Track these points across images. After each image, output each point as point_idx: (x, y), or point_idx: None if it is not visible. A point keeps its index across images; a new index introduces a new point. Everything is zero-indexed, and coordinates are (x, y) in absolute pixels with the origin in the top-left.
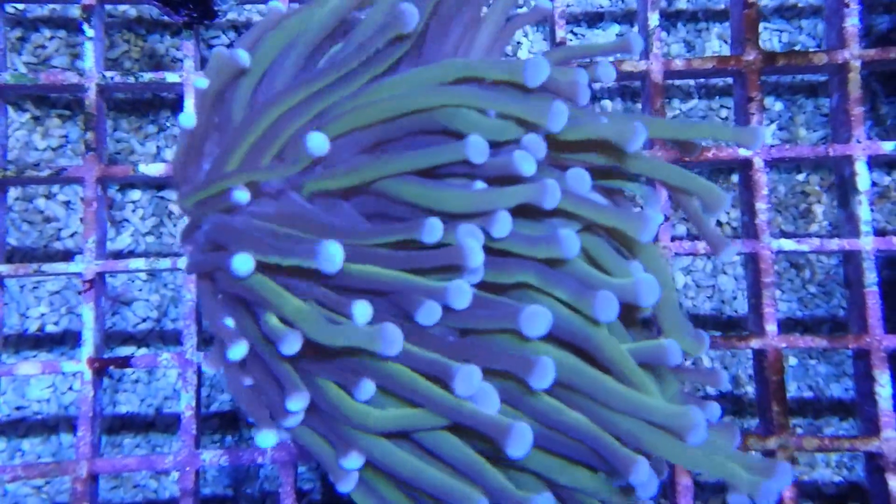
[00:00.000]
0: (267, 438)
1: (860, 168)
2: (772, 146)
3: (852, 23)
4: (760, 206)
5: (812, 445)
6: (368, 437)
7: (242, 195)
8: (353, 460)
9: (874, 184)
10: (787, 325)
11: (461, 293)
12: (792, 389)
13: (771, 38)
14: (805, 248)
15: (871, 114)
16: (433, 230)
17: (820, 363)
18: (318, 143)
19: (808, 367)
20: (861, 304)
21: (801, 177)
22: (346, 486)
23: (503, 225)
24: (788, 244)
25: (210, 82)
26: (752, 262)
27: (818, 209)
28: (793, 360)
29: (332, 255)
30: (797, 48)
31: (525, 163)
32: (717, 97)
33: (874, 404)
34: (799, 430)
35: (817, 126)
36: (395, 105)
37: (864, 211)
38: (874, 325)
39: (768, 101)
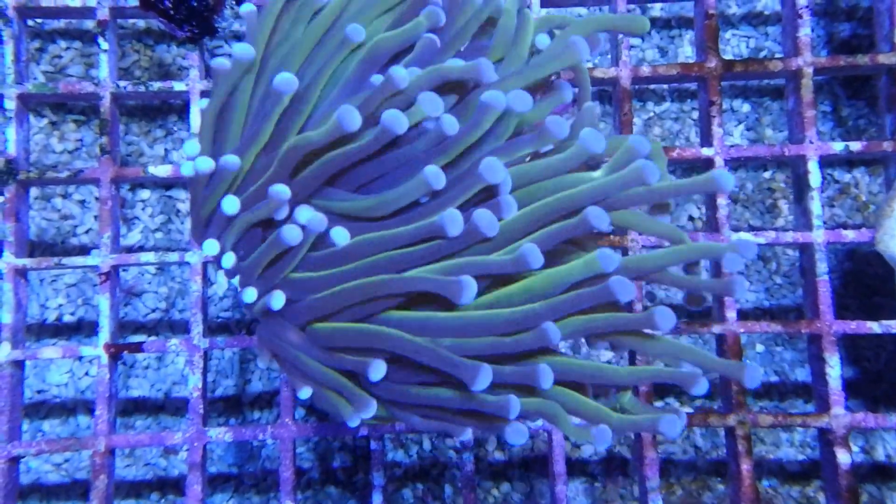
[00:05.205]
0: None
1: (812, 167)
2: (731, 146)
3: (805, 32)
4: (721, 201)
5: (767, 421)
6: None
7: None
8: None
9: (836, 181)
10: (756, 314)
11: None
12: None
13: (739, 44)
14: (762, 241)
15: (833, 115)
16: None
17: (786, 350)
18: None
19: (774, 354)
20: (814, 291)
21: (767, 174)
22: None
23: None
24: (746, 237)
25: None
26: None
27: (783, 205)
28: (760, 347)
29: None
30: (763, 53)
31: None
32: (689, 100)
33: (825, 384)
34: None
35: (783, 127)
36: None
37: (815, 206)
38: (825, 311)
39: (736, 103)
